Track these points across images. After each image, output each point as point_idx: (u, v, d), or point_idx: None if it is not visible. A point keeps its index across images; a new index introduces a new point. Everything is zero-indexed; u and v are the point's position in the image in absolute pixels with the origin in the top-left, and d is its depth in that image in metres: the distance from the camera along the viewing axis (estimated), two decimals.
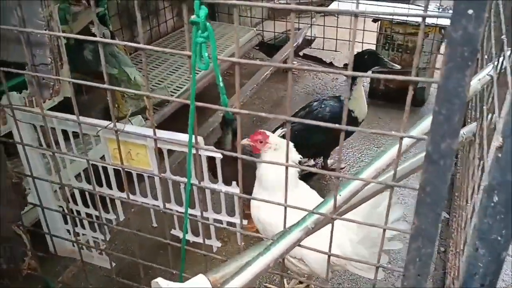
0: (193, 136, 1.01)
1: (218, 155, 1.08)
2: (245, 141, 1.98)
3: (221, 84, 0.92)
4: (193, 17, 0.87)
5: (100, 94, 2.46)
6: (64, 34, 1.04)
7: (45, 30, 1.04)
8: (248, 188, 1.18)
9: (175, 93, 3.01)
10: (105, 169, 1.30)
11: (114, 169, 1.28)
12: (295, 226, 1.03)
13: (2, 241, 1.49)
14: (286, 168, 0.96)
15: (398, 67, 2.76)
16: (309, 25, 3.95)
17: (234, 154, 1.01)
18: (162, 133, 1.08)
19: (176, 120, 2.79)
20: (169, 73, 3.24)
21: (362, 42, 3.71)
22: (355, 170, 3.03)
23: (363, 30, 3.65)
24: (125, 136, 1.14)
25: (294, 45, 3.64)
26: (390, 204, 0.92)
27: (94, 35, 2.37)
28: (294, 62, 4.28)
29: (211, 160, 1.15)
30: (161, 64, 3.36)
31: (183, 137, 1.08)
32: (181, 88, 3.07)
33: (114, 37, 2.43)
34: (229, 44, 3.63)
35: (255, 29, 4.06)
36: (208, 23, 0.87)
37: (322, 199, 1.86)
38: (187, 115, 1.00)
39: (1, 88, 1.34)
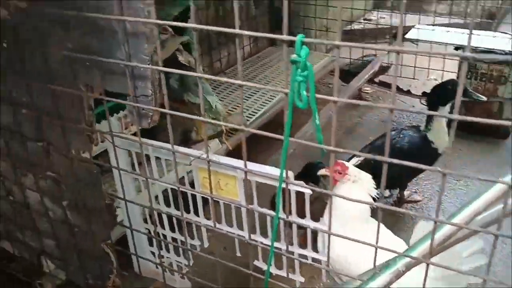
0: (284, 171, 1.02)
1: (307, 191, 1.08)
2: (323, 171, 1.96)
3: (318, 121, 0.93)
4: (293, 56, 0.89)
5: (179, 119, 2.55)
6: (166, 69, 1.10)
7: (149, 64, 1.10)
8: (316, 220, 1.18)
9: (250, 118, 3.06)
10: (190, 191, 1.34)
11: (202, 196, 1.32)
12: (386, 268, 1.00)
13: (93, 258, 1.58)
14: (378, 209, 0.94)
15: (484, 98, 2.64)
16: (387, 52, 3.89)
17: (325, 191, 1.01)
18: (252, 166, 1.10)
19: (250, 145, 2.84)
20: (244, 99, 3.31)
21: (443, 70, 3.59)
22: (433, 204, 2.91)
23: (443, 57, 3.54)
24: (216, 165, 1.17)
25: (371, 72, 3.60)
26: (493, 254, 0.87)
27: (180, 63, 2.48)
28: (368, 89, 4.24)
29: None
30: (237, 89, 3.44)
31: (274, 170, 1.09)
32: (257, 113, 3.12)
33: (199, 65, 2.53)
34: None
35: (330, 55, 4.06)
36: (308, 63, 0.89)
37: (394, 236, 1.80)
38: (261, 140, 1.02)
39: (98, 111, 1.44)
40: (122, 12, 1.08)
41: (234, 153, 2.92)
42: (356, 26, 4.86)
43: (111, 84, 1.23)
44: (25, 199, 1.68)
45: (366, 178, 1.82)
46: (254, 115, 3.10)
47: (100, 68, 1.20)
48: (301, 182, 1.05)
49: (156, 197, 1.48)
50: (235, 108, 3.17)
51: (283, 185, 1.03)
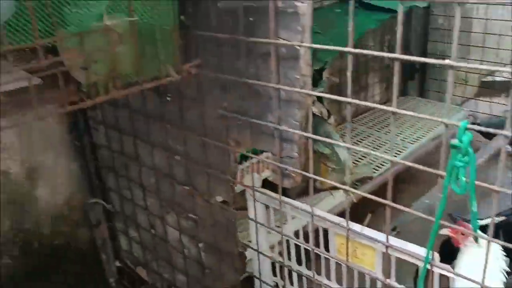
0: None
1: (453, 276, 1.02)
2: (445, 231, 1.80)
3: (475, 209, 0.89)
4: (454, 141, 0.87)
5: None
6: (315, 136, 1.14)
7: (299, 130, 1.15)
8: None
9: (378, 170, 2.99)
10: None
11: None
12: None
13: None
14: None
15: None
16: None
17: (475, 281, 0.95)
18: (394, 241, 1.07)
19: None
20: (373, 149, 3.25)
21: None
22: None
23: None
24: (354, 233, 1.16)
25: None
26: None
27: (313, 114, 2.54)
28: (509, 147, 3.89)
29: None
30: (365, 138, 3.40)
31: (417, 249, 1.06)
32: (385, 165, 3.04)
33: (330, 115, 2.57)
34: (437, 125, 3.49)
35: (465, 108, 3.84)
36: (470, 150, 0.85)
37: None
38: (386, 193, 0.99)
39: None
40: (279, 80, 1.15)
41: (356, 205, 2.86)
42: (497, 78, 4.53)
43: (259, 143, 1.31)
44: (166, 234, 1.83)
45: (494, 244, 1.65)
46: (382, 167, 3.02)
47: (251, 127, 1.29)
48: (448, 267, 1.00)
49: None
50: (362, 159, 3.13)
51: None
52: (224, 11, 1.21)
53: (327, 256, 1.27)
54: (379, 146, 3.29)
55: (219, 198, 1.53)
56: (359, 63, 3.63)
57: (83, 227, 2.26)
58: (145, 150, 1.73)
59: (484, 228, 1.69)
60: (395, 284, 1.13)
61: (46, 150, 2.09)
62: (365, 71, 3.73)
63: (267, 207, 1.51)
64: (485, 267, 0.91)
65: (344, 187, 1.26)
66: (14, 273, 2.11)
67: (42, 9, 0.94)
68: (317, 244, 1.33)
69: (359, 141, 3.36)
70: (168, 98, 1.50)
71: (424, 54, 4.09)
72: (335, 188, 2.70)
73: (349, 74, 1.01)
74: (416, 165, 0.95)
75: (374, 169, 3.01)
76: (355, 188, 2.84)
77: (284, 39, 1.10)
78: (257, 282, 1.55)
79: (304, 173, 1.20)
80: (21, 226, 2.09)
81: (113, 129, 1.86)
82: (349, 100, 1.02)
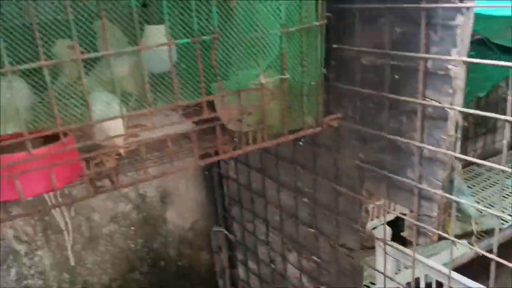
0: None
1: None
2: None
3: None
4: None
5: None
6: (458, 199, 1.10)
7: (441, 190, 1.13)
8: None
9: (507, 221, 2.76)
10: None
11: None
12: None
13: None
14: None
15: None
16: None
17: None
18: None
19: (504, 252, 2.55)
20: (503, 196, 3.02)
21: None
22: None
23: None
24: None
25: None
26: None
27: None
28: None
29: None
30: (493, 184, 3.17)
31: None
32: None
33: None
34: None
35: None
36: None
37: None
38: None
39: None
40: (422, 139, 1.14)
41: (482, 260, 2.66)
42: None
43: (395, 197, 1.30)
44: (285, 271, 1.87)
45: None
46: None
47: (387, 181, 1.29)
48: None
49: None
50: (488, 207, 2.92)
51: None
52: (368, 66, 1.24)
53: None
54: (508, 195, 3.04)
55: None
56: (488, 104, 3.41)
57: (205, 252, 2.40)
58: (272, 187, 1.80)
59: None
60: None
61: (178, 177, 2.27)
62: (494, 112, 3.48)
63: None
64: None
65: (462, 242, 1.20)
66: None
67: (209, 69, 1.05)
68: None
69: (485, 188, 3.14)
70: (301, 143, 1.56)
71: None
72: (460, 237, 2.55)
73: (505, 142, 0.97)
74: None
75: (502, 220, 2.79)
76: (479, 240, 2.66)
77: (432, 99, 1.10)
78: None
79: (444, 235, 1.16)
80: (152, 245, 2.28)
81: (242, 164, 1.97)
82: (502, 168, 0.98)
